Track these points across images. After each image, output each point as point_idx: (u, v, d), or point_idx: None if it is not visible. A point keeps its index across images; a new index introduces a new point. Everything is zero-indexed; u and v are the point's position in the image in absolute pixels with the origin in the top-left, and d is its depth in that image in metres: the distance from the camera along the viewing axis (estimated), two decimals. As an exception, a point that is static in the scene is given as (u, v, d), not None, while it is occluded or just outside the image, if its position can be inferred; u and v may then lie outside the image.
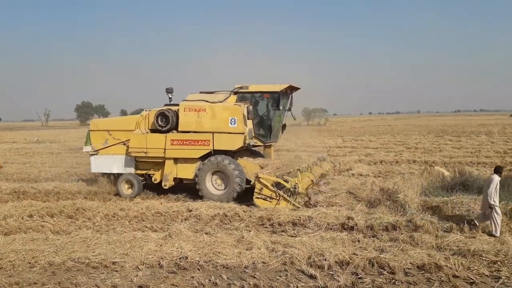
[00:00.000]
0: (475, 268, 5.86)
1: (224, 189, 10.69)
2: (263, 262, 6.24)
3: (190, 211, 9.42)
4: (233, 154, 11.02)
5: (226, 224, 8.61)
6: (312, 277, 5.72)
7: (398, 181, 10.34)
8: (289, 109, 12.02)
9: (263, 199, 9.75)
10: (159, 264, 6.30)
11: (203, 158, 10.92)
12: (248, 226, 8.36)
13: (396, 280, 5.58)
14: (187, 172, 11.10)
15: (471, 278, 5.56)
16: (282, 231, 7.99)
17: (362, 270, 5.89)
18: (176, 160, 11.12)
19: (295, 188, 9.52)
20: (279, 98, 11.18)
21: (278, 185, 9.58)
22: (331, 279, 5.64)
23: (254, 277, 5.78)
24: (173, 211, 9.46)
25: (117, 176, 11.86)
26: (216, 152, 10.75)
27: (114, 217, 9.30)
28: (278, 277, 5.77)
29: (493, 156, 18.61)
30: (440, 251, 6.56)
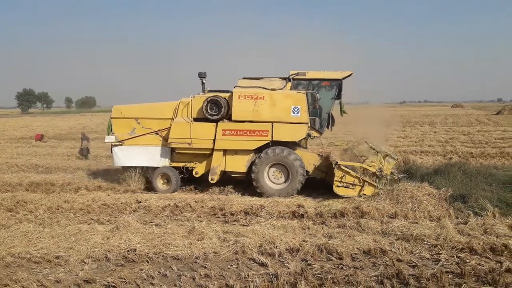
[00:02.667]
0: (417, 252, 6.13)
1: (284, 182, 9.97)
2: (215, 252, 6.20)
3: (139, 202, 9.17)
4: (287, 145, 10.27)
5: (177, 215, 8.45)
6: (263, 265, 5.76)
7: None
8: (339, 98, 10.70)
9: (345, 187, 9.20)
10: (106, 257, 6.09)
11: (257, 150, 10.13)
12: (200, 217, 8.27)
13: (343, 265, 5.72)
14: (238, 165, 10.22)
15: (414, 262, 5.80)
16: (234, 220, 7.98)
17: (311, 257, 6.00)
18: (226, 152, 10.22)
19: (381, 171, 9.19)
20: (340, 86, 10.35)
21: (354, 170, 9.17)
22: (281, 266, 5.71)
23: (205, 267, 5.73)
24: (121, 203, 9.15)
25: (146, 170, 10.76)
26: (274, 143, 10.02)
27: (58, 209, 8.86)
28: (229, 266, 5.76)
29: (435, 145, 19.55)
30: (385, 236, 6.82)
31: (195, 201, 9.21)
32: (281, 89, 10.09)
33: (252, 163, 10.07)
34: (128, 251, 6.24)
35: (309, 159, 10.24)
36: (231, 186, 10.72)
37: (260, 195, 9.81)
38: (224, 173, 10.45)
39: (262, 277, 5.33)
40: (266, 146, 9.98)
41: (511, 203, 7.91)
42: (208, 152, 10.26)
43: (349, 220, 7.66)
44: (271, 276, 5.38)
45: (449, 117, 44.66)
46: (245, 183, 10.80)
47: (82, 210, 8.80)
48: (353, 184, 9.18)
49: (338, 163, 9.17)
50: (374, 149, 10.55)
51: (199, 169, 10.49)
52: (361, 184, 9.18)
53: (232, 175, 10.56)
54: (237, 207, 8.57)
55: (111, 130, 10.92)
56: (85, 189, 10.78)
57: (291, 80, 10.21)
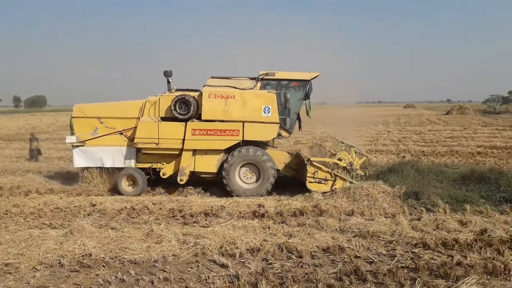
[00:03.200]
0: (374, 248, 6.31)
1: (255, 182, 9.91)
2: (174, 255, 6.09)
3: (94, 205, 8.83)
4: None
5: (134, 218, 8.21)
6: (223, 266, 5.71)
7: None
8: (307, 98, 10.72)
9: (318, 182, 9.34)
10: (59, 263, 5.82)
11: (227, 150, 10.02)
12: (158, 219, 8.08)
13: (303, 263, 5.78)
14: (208, 165, 10.08)
15: (371, 258, 5.96)
16: (194, 222, 7.86)
17: (272, 256, 6.02)
18: (195, 152, 10.04)
19: (351, 165, 9.33)
20: (309, 87, 10.37)
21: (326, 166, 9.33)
22: (242, 266, 5.69)
23: (164, 270, 5.62)
24: (75, 206, 8.75)
25: (110, 171, 10.40)
26: (245, 143, 9.89)
27: (6, 214, 8.36)
28: (189, 269, 5.67)
29: (389, 144, 20.22)
30: (343, 233, 6.97)
31: (153, 203, 8.99)
32: (251, 88, 10.08)
33: (223, 163, 10.00)
34: (83, 256, 6.01)
35: (279, 158, 10.36)
36: (190, 187, 10.57)
37: (228, 194, 9.79)
38: (193, 174, 10.30)
39: (223, 279, 5.29)
40: (236, 146, 9.95)
41: (461, 199, 8.32)
42: (177, 152, 10.08)
43: (308, 219, 7.76)
44: (232, 277, 5.35)
45: (401, 117, 46.42)
46: (205, 184, 10.70)
47: (33, 214, 8.36)
48: (325, 179, 9.43)
49: (310, 160, 9.36)
50: (343, 143, 10.81)
51: (167, 170, 10.28)
52: (333, 178, 9.43)
53: (202, 176, 10.42)
54: (197, 208, 8.45)
55: (73, 130, 10.43)
56: (36, 192, 10.28)
57: (260, 80, 10.22)
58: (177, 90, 10.50)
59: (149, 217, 8.20)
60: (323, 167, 9.43)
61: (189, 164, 10.05)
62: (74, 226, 7.10)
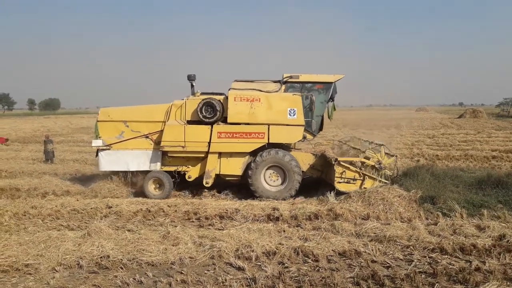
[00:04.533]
0: (391, 252, 6.27)
1: (281, 184, 9.99)
2: (191, 257, 6.12)
3: (110, 207, 8.93)
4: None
5: (150, 220, 8.30)
6: (240, 269, 5.73)
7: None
8: (332, 100, 10.75)
9: (346, 182, 9.38)
10: (78, 265, 5.90)
11: (252, 153, 10.08)
12: (174, 221, 8.15)
13: (320, 267, 5.78)
14: (233, 168, 10.11)
15: (388, 262, 5.93)
16: (209, 224, 7.91)
17: (288, 259, 6.02)
18: (220, 155, 10.09)
19: (380, 164, 9.37)
20: (333, 89, 10.43)
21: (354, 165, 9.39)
22: (259, 269, 5.70)
23: (182, 272, 5.65)
24: (91, 208, 8.88)
25: (135, 174, 10.47)
26: (270, 145, 9.98)
27: (25, 215, 8.51)
28: (206, 271, 5.70)
29: (402, 147, 20.06)
30: (359, 237, 6.94)
31: (168, 206, 9.07)
32: (276, 91, 10.13)
33: (248, 166, 10.05)
34: (101, 257, 6.07)
35: (303, 159, 10.40)
36: (205, 190, 10.62)
37: (242, 197, 9.86)
38: (217, 177, 10.33)
39: (240, 282, 5.31)
40: (261, 148, 10.00)
41: (478, 204, 8.23)
42: (202, 155, 10.14)
43: (323, 222, 7.75)
44: (248, 280, 5.36)
45: (414, 120, 46.00)
46: (219, 186, 10.75)
47: (50, 216, 8.50)
48: (354, 179, 9.44)
49: (338, 160, 9.36)
50: (372, 142, 10.83)
51: (192, 173, 10.33)
52: (362, 178, 9.44)
53: (226, 178, 10.45)
54: (212, 211, 8.50)
55: (99, 134, 10.47)
56: (53, 194, 10.43)
57: (284, 83, 10.27)
58: (202, 93, 10.53)
59: (165, 219, 8.27)
60: (351, 167, 9.43)
61: (214, 167, 10.09)
62: (92, 227, 7.18)
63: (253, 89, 10.13)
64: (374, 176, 9.48)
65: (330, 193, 9.27)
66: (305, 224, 7.71)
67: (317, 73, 10.45)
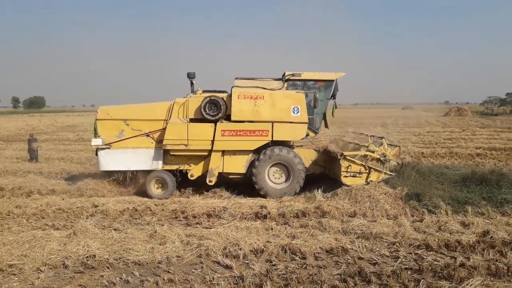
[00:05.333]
0: (377, 249, 6.33)
1: (285, 181, 10.00)
2: (178, 256, 6.10)
3: (96, 206, 8.83)
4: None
5: (136, 219, 8.23)
6: (228, 267, 5.73)
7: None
8: (334, 98, 10.77)
9: (353, 176, 9.45)
10: (63, 264, 5.83)
11: (256, 150, 10.03)
12: (161, 220, 8.10)
13: (307, 264, 5.80)
14: (236, 166, 10.08)
15: (374, 259, 5.98)
16: (197, 223, 7.87)
17: (275, 257, 6.04)
18: (224, 153, 10.03)
19: (384, 156, 9.44)
20: (335, 87, 10.43)
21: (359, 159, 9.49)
22: (246, 268, 5.70)
23: (169, 271, 5.63)
24: (77, 207, 8.77)
25: (136, 173, 10.29)
26: (274, 143, 9.98)
27: (8, 215, 8.37)
28: (193, 270, 5.69)
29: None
30: (346, 235, 6.99)
31: (155, 204, 9.01)
32: (280, 89, 10.13)
33: (251, 163, 10.06)
34: (87, 257, 6.01)
35: (306, 156, 10.44)
36: (192, 188, 10.58)
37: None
38: (219, 175, 10.27)
39: (228, 280, 5.31)
40: (263, 146, 10.00)
41: (462, 201, 8.36)
42: (205, 153, 10.07)
43: (310, 220, 7.78)
44: (236, 279, 5.36)
45: (400, 118, 46.46)
46: (205, 186, 10.71)
47: (35, 215, 8.38)
48: (360, 172, 9.55)
49: (344, 154, 9.44)
50: (373, 136, 10.93)
51: (195, 171, 10.24)
52: (367, 171, 9.55)
53: (229, 177, 10.41)
54: (199, 210, 8.47)
55: (98, 132, 10.23)
56: (38, 193, 10.28)
57: (286, 80, 10.27)
58: (204, 91, 10.43)
59: (152, 218, 8.21)
60: (356, 161, 9.53)
61: (218, 165, 10.05)
62: (77, 227, 7.11)
63: (257, 87, 10.11)
64: (380, 169, 9.60)
65: (318, 191, 9.33)
66: (293, 222, 7.74)
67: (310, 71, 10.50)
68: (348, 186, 9.38)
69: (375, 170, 9.60)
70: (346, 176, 9.53)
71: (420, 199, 8.58)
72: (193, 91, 10.53)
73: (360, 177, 9.58)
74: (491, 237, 6.56)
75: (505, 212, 7.84)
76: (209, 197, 10.04)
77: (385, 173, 9.61)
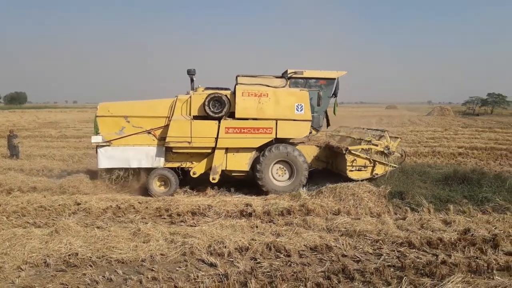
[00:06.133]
0: (361, 247, 6.39)
1: (288, 179, 10.01)
2: (162, 254, 6.05)
3: (79, 204, 8.71)
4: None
5: (120, 217, 8.13)
6: (212, 265, 5.71)
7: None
8: (335, 96, 10.84)
9: (358, 170, 9.53)
10: (45, 263, 5.75)
11: (259, 148, 10.04)
12: (145, 218, 8.03)
13: (292, 262, 5.82)
14: (240, 163, 10.07)
15: (358, 257, 6.04)
16: (181, 221, 7.82)
17: (260, 255, 6.05)
18: (227, 150, 10.00)
19: (388, 149, 9.51)
20: (336, 85, 10.48)
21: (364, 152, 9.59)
22: (231, 265, 5.69)
23: (152, 269, 5.58)
24: (59, 205, 8.63)
25: (137, 171, 10.13)
26: (278, 140, 9.96)
27: (-12, 213, 8.22)
28: (177, 268, 5.65)
29: (372, 144, 20.37)
30: (330, 232, 7.04)
31: (139, 202, 8.93)
32: (283, 86, 10.13)
33: (255, 161, 10.05)
34: (69, 255, 5.93)
35: (308, 152, 10.52)
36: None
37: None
38: (222, 172, 10.24)
39: (212, 278, 5.29)
40: (267, 144, 10.01)
41: (444, 199, 8.50)
42: (208, 151, 10.02)
43: (295, 218, 7.81)
44: (221, 276, 5.35)
45: (384, 117, 46.94)
46: (191, 183, 10.66)
47: (16, 213, 8.22)
48: (365, 166, 9.67)
49: (348, 148, 9.51)
50: (376, 130, 11.01)
51: (197, 169, 10.19)
52: (372, 164, 9.66)
53: (233, 174, 10.40)
54: (184, 208, 8.42)
55: (98, 129, 10.04)
56: (19, 190, 10.10)
57: (289, 78, 10.27)
58: (207, 88, 10.36)
59: (136, 216, 8.13)
60: (361, 154, 9.63)
61: (221, 162, 10.03)
62: (60, 225, 6.99)
63: (261, 84, 10.10)
64: (384, 162, 9.71)
65: (303, 189, 9.37)
66: (278, 220, 7.75)
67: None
68: (354, 180, 9.51)
69: (380, 163, 9.70)
70: (351, 171, 9.65)
71: (403, 197, 8.69)
72: (193, 88, 10.46)
73: (366, 170, 9.71)
74: (472, 234, 6.67)
75: (486, 210, 7.99)
76: (194, 195, 10.01)
77: (390, 166, 9.72)
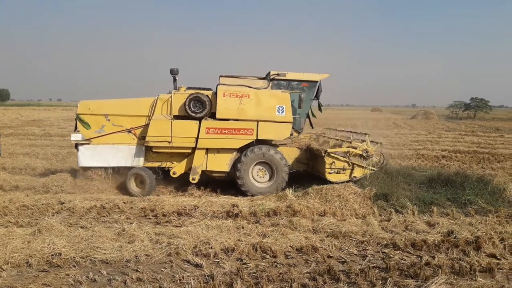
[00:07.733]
0: (346, 248, 6.42)
1: (269, 180, 9.99)
2: (147, 255, 6.00)
3: (62, 203, 8.56)
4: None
5: (104, 216, 8.03)
6: (198, 266, 5.68)
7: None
8: (317, 99, 10.84)
9: (337, 172, 9.51)
10: (27, 263, 5.64)
11: (240, 149, 9.93)
12: (130, 218, 7.94)
13: (278, 263, 5.82)
14: (220, 164, 10.00)
15: (343, 258, 6.07)
16: (167, 221, 7.75)
17: (246, 256, 6.03)
18: (208, 151, 9.92)
19: (367, 152, 9.53)
20: (318, 88, 10.47)
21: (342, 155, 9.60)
22: (217, 266, 5.67)
23: (137, 270, 5.53)
24: (42, 204, 8.49)
25: (115, 170, 10.00)
26: (259, 142, 9.89)
27: (-32, 212, 8.04)
28: (162, 269, 5.61)
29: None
30: (316, 233, 7.06)
31: (124, 202, 8.83)
32: (265, 88, 10.11)
33: (235, 162, 10.03)
34: (52, 255, 5.83)
35: (290, 154, 10.51)
36: (161, 186, 10.44)
37: (200, 194, 9.77)
38: (203, 173, 10.19)
39: (198, 279, 5.26)
40: (248, 145, 9.98)
41: (428, 201, 8.60)
42: (189, 151, 9.96)
43: (282, 219, 7.81)
44: (206, 277, 5.32)
45: (369, 120, 47.33)
46: (176, 183, 10.60)
47: (-3, 212, 8.07)
48: (344, 169, 9.70)
49: (328, 151, 9.55)
50: (356, 133, 11.05)
51: (177, 169, 10.11)
52: (351, 167, 9.70)
53: (213, 175, 10.35)
54: (170, 208, 8.35)
55: (81, 127, 9.93)
56: (1, 189, 9.93)
57: (271, 80, 10.25)
58: (189, 88, 10.29)
59: (120, 216, 8.04)
60: (340, 157, 9.67)
61: (201, 163, 9.98)
62: (42, 224, 6.87)
63: (242, 85, 10.07)
64: (363, 165, 9.77)
65: (289, 190, 9.39)
66: (264, 221, 7.74)
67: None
68: (332, 183, 9.53)
69: (358, 166, 9.77)
70: (330, 173, 9.68)
71: (387, 199, 8.77)
72: (175, 88, 10.39)
73: (344, 173, 9.75)
74: (455, 236, 6.76)
75: (469, 213, 8.11)
76: (180, 195, 9.95)
77: (369, 169, 9.79)
